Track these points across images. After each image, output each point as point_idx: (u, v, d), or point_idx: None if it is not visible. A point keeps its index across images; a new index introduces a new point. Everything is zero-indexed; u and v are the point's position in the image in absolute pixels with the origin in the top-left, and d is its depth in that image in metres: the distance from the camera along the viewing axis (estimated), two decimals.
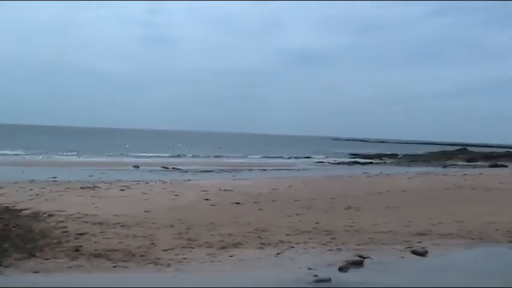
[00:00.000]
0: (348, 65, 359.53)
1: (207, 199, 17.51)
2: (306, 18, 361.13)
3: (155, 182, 23.24)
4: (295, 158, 65.79)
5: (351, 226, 12.90)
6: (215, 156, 60.69)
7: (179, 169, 38.02)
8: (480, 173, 35.29)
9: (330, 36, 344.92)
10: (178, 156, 58.70)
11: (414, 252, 10.35)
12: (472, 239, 11.89)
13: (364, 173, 36.39)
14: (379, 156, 75.20)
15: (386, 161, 64.64)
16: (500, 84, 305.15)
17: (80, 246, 9.90)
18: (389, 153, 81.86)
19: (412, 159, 67.31)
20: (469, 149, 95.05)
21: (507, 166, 52.91)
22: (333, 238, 11.37)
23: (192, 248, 10.18)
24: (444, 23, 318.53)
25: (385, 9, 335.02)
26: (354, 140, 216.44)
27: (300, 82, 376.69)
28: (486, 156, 73.91)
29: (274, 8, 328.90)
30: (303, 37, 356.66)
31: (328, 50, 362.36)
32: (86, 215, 13.31)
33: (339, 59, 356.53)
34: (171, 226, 12.27)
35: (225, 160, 54.41)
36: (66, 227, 11.60)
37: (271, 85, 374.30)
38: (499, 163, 57.86)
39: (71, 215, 13.18)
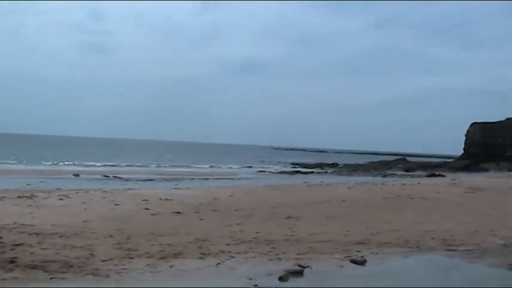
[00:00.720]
0: (288, 75, 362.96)
1: (147, 208, 17.39)
2: (247, 29, 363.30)
3: (95, 191, 22.91)
4: (237, 167, 66.01)
5: (291, 235, 13.04)
6: (157, 165, 60.25)
7: (120, 178, 37.63)
8: (418, 183, 36.28)
9: (270, 47, 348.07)
10: (120, 164, 57.99)
11: (353, 261, 10.54)
12: (409, 247, 12.16)
13: (305, 182, 36.90)
14: (320, 165, 76.29)
15: (328, 171, 65.63)
16: (438, 95, 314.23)
17: (16, 257, 9.65)
18: (331, 162, 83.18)
19: (353, 169, 68.51)
20: (408, 159, 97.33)
21: (444, 176, 54.62)
22: (273, 248, 11.47)
23: (132, 258, 10.09)
24: (384, 35, 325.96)
25: (326, 21, 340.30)
26: (295, 149, 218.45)
27: (241, 92, 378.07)
28: (424, 166, 76.03)
29: (215, 18, 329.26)
30: (244, 47, 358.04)
31: (269, 60, 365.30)
32: (23, 225, 13.01)
33: (279, 69, 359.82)
34: (111, 236, 12.13)
35: (168, 169, 54.18)
36: (1, 237, 11.30)
37: (214, 94, 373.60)
38: (437, 173, 59.76)
39: (7, 225, 12.86)
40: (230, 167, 64.42)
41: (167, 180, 37.42)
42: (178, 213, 16.74)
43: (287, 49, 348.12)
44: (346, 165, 78.06)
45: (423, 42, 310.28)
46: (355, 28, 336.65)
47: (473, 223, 16.05)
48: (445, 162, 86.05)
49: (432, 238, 13.21)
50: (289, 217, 16.45)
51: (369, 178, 48.81)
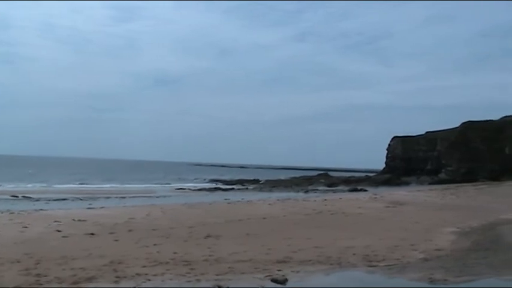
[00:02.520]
0: (206, 89, 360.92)
1: (59, 230, 16.94)
2: (163, 41, 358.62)
3: (1, 213, 22.18)
4: (155, 184, 65.37)
5: (210, 255, 13.04)
6: (70, 184, 58.75)
7: (30, 197, 36.46)
8: (340, 198, 37.08)
9: (187, 59, 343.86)
10: (30, 183, 56.13)
11: (274, 280, 10.63)
12: (331, 264, 12.38)
13: (225, 199, 36.96)
14: (241, 181, 76.45)
15: (248, 187, 65.84)
16: (359, 109, 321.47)
17: None
18: (252, 178, 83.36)
19: (274, 185, 69.06)
20: (331, 173, 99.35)
21: (367, 190, 56.10)
22: (191, 269, 11.43)
23: (41, 284, 9.81)
24: (303, 48, 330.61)
25: (244, 33, 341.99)
26: (215, 165, 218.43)
27: (158, 106, 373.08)
28: (347, 181, 77.82)
29: (130, 29, 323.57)
30: (160, 59, 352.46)
31: (187, 74, 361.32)
32: None
33: (197, 83, 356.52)
34: (18, 261, 11.73)
35: (81, 187, 52.96)
36: None
37: (130, 109, 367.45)
38: (359, 187, 61.30)
39: None
40: (147, 185, 63.61)
41: (81, 199, 36.62)
42: (92, 234, 16.40)
43: (204, 62, 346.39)
44: (267, 181, 78.59)
45: (343, 56, 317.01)
46: (274, 41, 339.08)
47: (394, 238, 16.57)
48: (367, 176, 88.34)
49: (354, 254, 13.52)
50: (208, 236, 16.44)
51: (291, 194, 49.46)
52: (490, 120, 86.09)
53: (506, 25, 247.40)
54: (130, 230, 17.57)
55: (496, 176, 74.23)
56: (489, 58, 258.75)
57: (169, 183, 67.31)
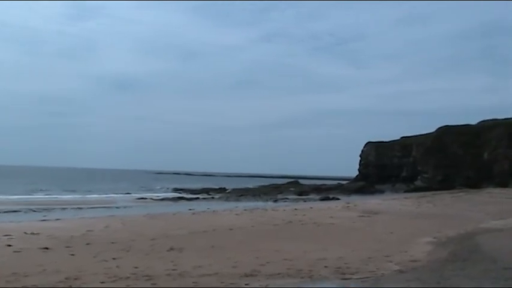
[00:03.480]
0: (171, 93, 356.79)
1: (9, 245, 16.69)
2: (124, 42, 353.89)
3: None
4: (115, 194, 64.89)
5: (173, 269, 12.97)
6: (23, 194, 57.85)
7: None
8: (311, 207, 37.27)
9: (151, 62, 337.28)
10: None
11: None
12: (302, 277, 12.37)
13: (189, 209, 36.90)
14: (207, 190, 76.39)
15: (214, 196, 65.81)
16: (330, 115, 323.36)
17: None
18: (217, 187, 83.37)
19: (242, 194, 69.14)
20: (301, 181, 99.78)
21: (339, 199, 56.44)
22: (153, 284, 11.36)
23: None
24: (272, 50, 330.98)
25: (210, 35, 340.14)
26: (179, 173, 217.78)
27: (119, 111, 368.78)
28: (318, 189, 78.25)
29: (88, 28, 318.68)
30: (121, 62, 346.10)
31: (150, 77, 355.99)
32: None
33: (161, 87, 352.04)
34: None
35: (35, 198, 52.28)
36: None
37: (89, 114, 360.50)
38: (331, 196, 61.68)
39: None
40: (106, 195, 63.06)
41: (34, 211, 36.19)
42: (46, 248, 16.20)
43: (169, 64, 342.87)
44: (234, 189, 78.68)
45: (314, 58, 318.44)
46: (241, 42, 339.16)
47: (368, 249, 16.70)
48: (339, 184, 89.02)
49: (325, 267, 13.57)
50: (171, 249, 16.37)
51: (259, 203, 49.59)
52: (467, 125, 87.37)
53: (484, 26, 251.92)
54: (87, 244, 17.41)
55: (474, 182, 75.31)
56: (466, 60, 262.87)
57: (130, 193, 66.80)
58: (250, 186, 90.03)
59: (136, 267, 13.11)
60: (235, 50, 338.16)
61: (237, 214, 30.70)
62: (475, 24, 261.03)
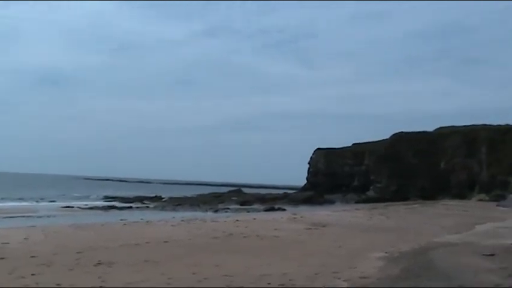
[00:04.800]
0: (102, 91, 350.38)
1: None
2: (50, 32, 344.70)
3: None
4: (37, 201, 63.85)
5: (101, 286, 12.79)
6: None
7: None
8: (254, 218, 37.35)
9: (79, 55, 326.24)
10: None
11: None
12: None
13: (121, 219, 36.52)
14: (141, 199, 75.77)
15: (149, 205, 65.41)
16: (277, 118, 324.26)
17: None
18: (153, 195, 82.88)
19: (179, 203, 68.81)
20: (244, 190, 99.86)
21: (285, 209, 56.68)
22: None
23: None
24: (216, 46, 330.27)
25: (147, 27, 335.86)
26: (110, 179, 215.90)
27: (43, 109, 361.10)
28: (262, 199, 78.40)
29: (6, 15, 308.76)
30: (45, 54, 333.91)
31: (78, 72, 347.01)
32: None
33: (91, 83, 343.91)
34: None
35: None
36: None
37: (9, 112, 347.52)
38: (276, 206, 61.87)
39: None
40: (27, 203, 61.87)
41: None
42: None
43: (99, 58, 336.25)
44: (171, 198, 78.27)
45: (261, 55, 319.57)
46: (182, 36, 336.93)
47: (315, 264, 16.76)
48: (286, 194, 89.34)
49: (269, 284, 13.55)
50: (99, 263, 16.13)
51: (198, 213, 49.48)
52: (423, 132, 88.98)
53: (442, 26, 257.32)
54: (2, 258, 16.99)
55: (429, 194, 76.83)
56: (423, 61, 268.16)
57: (54, 201, 65.79)
58: (189, 194, 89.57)
59: (58, 284, 12.87)
60: (175, 44, 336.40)
61: (173, 225, 30.55)
62: (432, 24, 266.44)
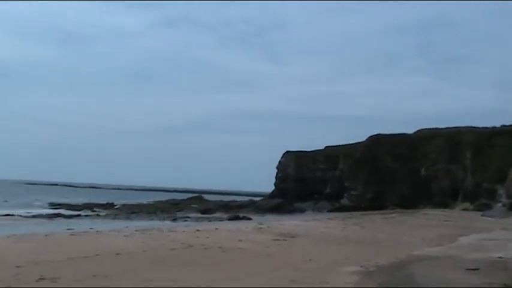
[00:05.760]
0: (47, 86, 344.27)
1: None
2: None
3: None
4: None
5: None
6: None
7: None
8: (216, 228, 37.29)
9: (22, 46, 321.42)
10: None
11: None
12: None
13: (68, 229, 36.34)
14: (90, 206, 75.60)
15: (100, 213, 65.29)
16: (243, 118, 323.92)
17: None
18: (104, 202, 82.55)
19: (133, 211, 68.74)
20: (206, 197, 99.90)
21: (251, 219, 56.72)
22: None
23: None
24: (176, 39, 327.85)
25: (99, 16, 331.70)
26: (56, 184, 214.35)
27: None
28: (226, 207, 78.57)
29: None
30: None
31: (20, 65, 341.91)
32: None
33: (34, 78, 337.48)
34: None
35: None
36: None
37: None
38: (241, 215, 61.89)
39: None
40: None
41: None
42: None
43: (45, 50, 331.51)
44: (124, 205, 78.25)
45: (225, 49, 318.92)
46: (138, 27, 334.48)
47: (283, 279, 16.77)
48: (252, 201, 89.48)
49: None
50: (41, 278, 15.95)
51: (155, 223, 49.41)
52: (403, 134, 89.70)
53: (422, 20, 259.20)
54: None
55: (409, 202, 77.55)
56: (403, 58, 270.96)
57: None
58: (144, 201, 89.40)
59: None
60: (130, 36, 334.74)
61: (126, 236, 30.35)
62: (413, 18, 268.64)
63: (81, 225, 43.23)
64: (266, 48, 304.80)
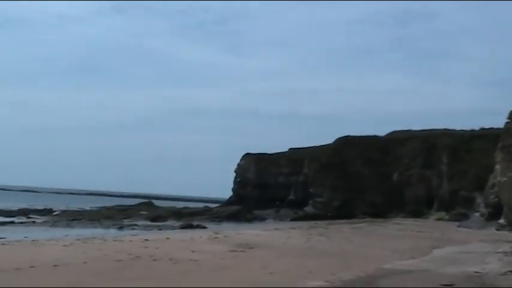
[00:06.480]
0: None
1: None
2: None
3: None
4: None
5: None
6: None
7: None
8: (167, 238, 37.21)
9: None
10: None
11: None
12: None
13: None
14: (25, 212, 74.93)
15: (36, 220, 64.77)
16: (197, 115, 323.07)
17: None
18: (42, 208, 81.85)
19: (75, 217, 68.38)
20: (156, 202, 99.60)
21: (206, 227, 56.71)
22: None
23: None
24: (124, 26, 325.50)
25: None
26: None
27: None
28: (178, 214, 78.34)
29: None
30: None
31: None
32: None
33: None
34: None
35: None
36: None
37: None
38: (195, 223, 61.89)
39: None
40: None
41: None
42: None
43: None
44: (64, 211, 77.79)
45: (180, 39, 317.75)
46: (83, 12, 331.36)
47: None
48: (207, 208, 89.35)
49: None
50: None
51: (98, 231, 49.18)
52: (374, 136, 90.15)
53: (398, 11, 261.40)
54: None
55: (380, 210, 77.98)
56: (375, 53, 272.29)
57: None
58: (87, 207, 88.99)
59: None
60: (73, 21, 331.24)
61: (65, 245, 30.11)
62: (386, 9, 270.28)
63: (15, 233, 42.82)
64: (225, 39, 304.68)
